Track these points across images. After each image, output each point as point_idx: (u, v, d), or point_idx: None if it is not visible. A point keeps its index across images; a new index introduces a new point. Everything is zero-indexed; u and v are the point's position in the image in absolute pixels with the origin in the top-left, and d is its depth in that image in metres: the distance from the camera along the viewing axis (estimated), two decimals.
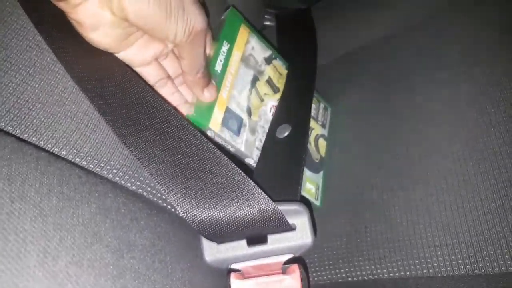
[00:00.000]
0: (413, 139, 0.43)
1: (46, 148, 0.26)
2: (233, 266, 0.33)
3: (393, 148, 0.44)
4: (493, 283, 0.34)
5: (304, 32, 0.57)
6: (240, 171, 0.29)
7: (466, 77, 0.44)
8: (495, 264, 0.34)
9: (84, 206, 0.23)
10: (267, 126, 0.45)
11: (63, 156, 0.27)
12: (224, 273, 0.33)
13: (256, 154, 0.43)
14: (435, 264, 0.36)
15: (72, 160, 0.27)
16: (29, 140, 0.26)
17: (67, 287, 0.19)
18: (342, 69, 0.58)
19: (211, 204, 0.27)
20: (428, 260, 0.37)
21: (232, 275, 0.32)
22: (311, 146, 0.49)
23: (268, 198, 0.29)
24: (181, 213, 0.26)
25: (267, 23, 0.71)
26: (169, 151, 0.27)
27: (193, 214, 0.27)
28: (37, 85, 0.28)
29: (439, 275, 0.36)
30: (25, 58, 0.28)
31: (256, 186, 0.29)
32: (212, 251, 0.32)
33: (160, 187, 0.26)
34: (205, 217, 0.27)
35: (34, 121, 0.27)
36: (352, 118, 0.51)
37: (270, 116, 0.46)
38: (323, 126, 0.52)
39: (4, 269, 0.17)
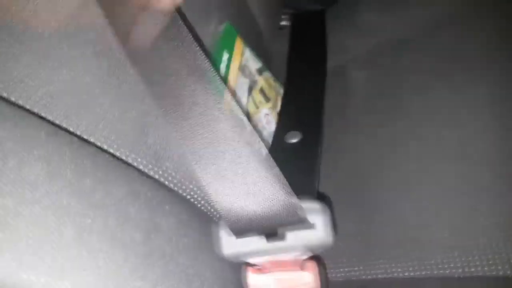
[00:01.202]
0: (427, 141, 0.43)
1: (77, 133, 0.27)
2: (251, 260, 0.33)
3: (406, 150, 0.44)
4: (510, 286, 0.34)
5: (316, 34, 0.58)
6: (271, 159, 0.29)
7: (484, 80, 0.44)
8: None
9: (115, 188, 0.24)
10: (263, 132, 0.48)
11: (92, 142, 0.28)
12: (241, 265, 0.33)
13: None
14: (452, 265, 0.36)
15: (101, 147, 0.28)
16: (62, 125, 0.26)
17: (100, 262, 0.20)
18: (354, 70, 0.58)
19: (237, 191, 0.27)
20: (445, 261, 0.36)
21: (249, 268, 0.33)
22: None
23: (291, 190, 0.29)
24: (206, 197, 0.26)
25: (284, 23, 0.71)
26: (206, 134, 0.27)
27: (217, 200, 0.27)
28: (67, 76, 0.29)
29: (456, 276, 0.36)
30: (56, 50, 0.28)
31: (282, 175, 0.29)
32: (231, 244, 0.31)
33: (189, 166, 0.26)
34: (229, 205, 0.27)
35: (64, 108, 0.27)
36: (364, 119, 0.51)
37: (264, 123, 0.49)
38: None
39: (45, 240, 0.18)
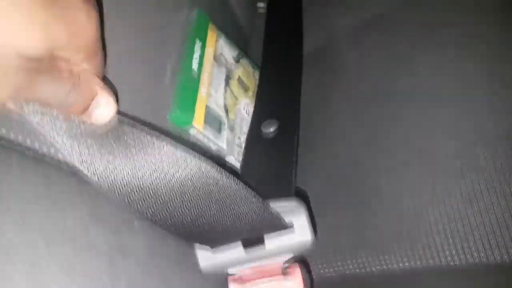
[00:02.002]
0: (418, 122, 0.41)
1: (32, 148, 0.24)
2: (231, 270, 0.32)
3: (397, 133, 0.42)
4: (508, 272, 0.32)
5: (293, 16, 0.55)
6: (227, 173, 0.26)
7: (472, 55, 0.42)
8: (511, 251, 0.33)
9: (73, 210, 0.21)
10: (243, 124, 0.46)
11: (51, 156, 0.25)
12: (223, 277, 0.32)
13: (236, 151, 0.43)
14: (447, 253, 0.35)
15: (61, 161, 0.25)
16: (14, 139, 0.23)
17: None
18: (339, 50, 0.56)
19: (197, 213, 0.25)
20: (439, 249, 0.35)
21: (231, 280, 0.31)
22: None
23: (258, 196, 0.27)
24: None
25: (261, 4, 0.68)
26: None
27: (177, 227, 0.24)
28: None
29: (451, 264, 0.34)
30: None
31: (245, 186, 0.27)
32: (207, 257, 0.30)
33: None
34: (193, 226, 0.25)
35: (19, 121, 0.24)
36: (352, 101, 0.49)
37: (245, 114, 0.46)
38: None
39: None
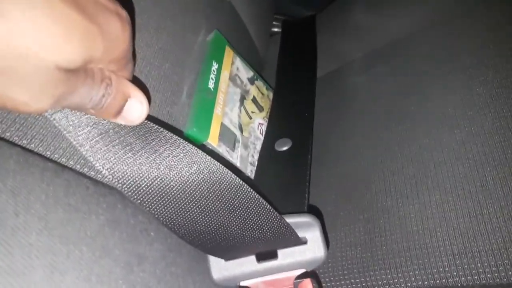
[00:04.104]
0: (427, 144, 0.42)
1: (53, 158, 0.25)
2: (243, 283, 0.32)
3: (407, 154, 0.43)
4: None
5: (306, 40, 0.57)
6: (243, 183, 0.27)
7: (480, 81, 0.43)
8: None
9: (92, 218, 0.22)
10: (257, 143, 0.47)
11: (70, 166, 0.26)
12: None
13: (249, 169, 0.44)
14: (454, 273, 0.35)
15: (80, 171, 0.27)
16: (35, 150, 0.25)
17: None
18: (351, 75, 0.57)
19: (213, 221, 0.26)
20: (447, 269, 0.35)
21: None
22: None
23: (273, 209, 0.28)
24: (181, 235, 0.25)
25: (275, 29, 0.70)
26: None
27: (193, 236, 0.25)
28: None
29: (459, 284, 0.34)
30: None
31: (260, 197, 0.27)
32: (220, 269, 0.31)
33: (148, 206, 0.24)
34: (209, 235, 0.26)
35: (41, 130, 0.26)
36: (363, 123, 0.50)
37: (258, 133, 0.48)
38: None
39: (9, 286, 0.17)
